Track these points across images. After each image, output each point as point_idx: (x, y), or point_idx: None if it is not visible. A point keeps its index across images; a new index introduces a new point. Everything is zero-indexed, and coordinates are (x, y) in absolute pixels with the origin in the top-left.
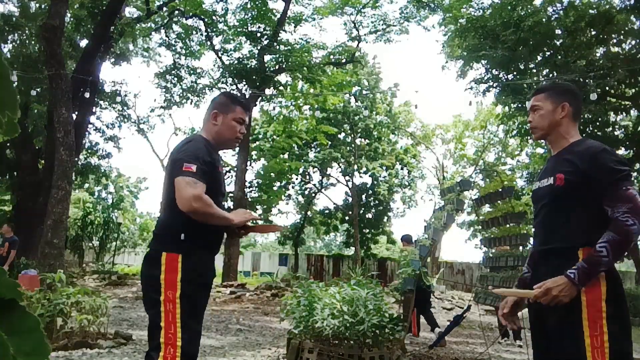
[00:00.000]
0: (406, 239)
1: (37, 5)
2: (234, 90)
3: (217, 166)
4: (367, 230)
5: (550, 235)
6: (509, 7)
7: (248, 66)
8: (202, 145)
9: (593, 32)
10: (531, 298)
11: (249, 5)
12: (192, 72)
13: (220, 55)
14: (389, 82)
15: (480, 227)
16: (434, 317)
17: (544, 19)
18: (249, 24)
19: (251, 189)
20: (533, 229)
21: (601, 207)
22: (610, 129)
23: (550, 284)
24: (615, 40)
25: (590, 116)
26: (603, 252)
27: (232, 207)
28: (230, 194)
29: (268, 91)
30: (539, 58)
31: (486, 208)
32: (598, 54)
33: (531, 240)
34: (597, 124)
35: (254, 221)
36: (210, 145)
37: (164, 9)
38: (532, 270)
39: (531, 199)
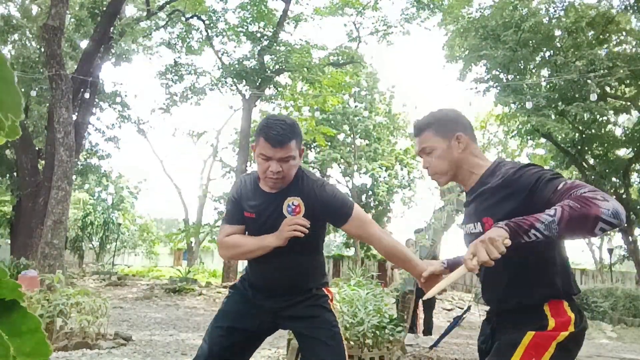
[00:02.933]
0: (411, 243)
1: (39, 8)
2: (233, 90)
3: (253, 209)
4: None
5: (501, 295)
6: (510, 8)
7: (248, 66)
8: (240, 184)
9: (593, 32)
10: (468, 269)
11: (248, 7)
12: (192, 71)
13: (220, 55)
14: (388, 83)
15: None
16: (432, 322)
17: (544, 20)
18: (248, 24)
19: None
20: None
21: (548, 248)
22: (610, 129)
23: (472, 246)
24: (615, 40)
25: (590, 116)
26: (551, 212)
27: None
28: None
29: (268, 91)
30: (539, 58)
31: None
32: (598, 54)
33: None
34: (597, 123)
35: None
36: (253, 184)
37: (165, 8)
38: (487, 337)
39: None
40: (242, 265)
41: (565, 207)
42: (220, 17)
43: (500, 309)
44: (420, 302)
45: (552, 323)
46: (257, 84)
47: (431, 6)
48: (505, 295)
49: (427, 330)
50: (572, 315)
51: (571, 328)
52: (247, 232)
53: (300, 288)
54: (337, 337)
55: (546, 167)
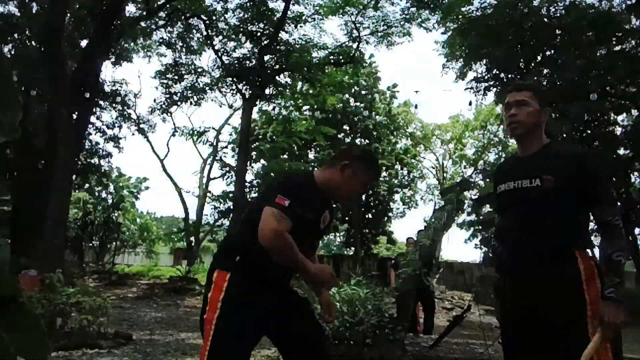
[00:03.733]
0: (411, 242)
1: (38, 6)
2: (233, 90)
3: (313, 214)
4: (367, 230)
5: (540, 238)
6: (511, 7)
7: (248, 66)
8: (307, 185)
9: (594, 31)
10: (604, 341)
11: (247, 5)
12: (192, 70)
13: (220, 55)
14: (388, 82)
15: (480, 227)
16: (433, 322)
17: (545, 19)
18: (248, 24)
19: (251, 189)
20: (503, 230)
21: (586, 209)
22: (611, 128)
23: (606, 317)
24: (615, 40)
25: (590, 116)
26: (622, 260)
27: (231, 207)
28: (230, 194)
29: (268, 91)
30: (540, 57)
31: (486, 208)
32: (599, 53)
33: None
34: (597, 123)
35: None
36: (317, 190)
37: (167, 6)
38: (511, 272)
39: (502, 199)
40: None
41: (624, 251)
42: (220, 16)
43: (532, 250)
44: (420, 301)
45: (582, 267)
46: (257, 83)
47: (431, 5)
48: (543, 237)
49: (427, 330)
50: (592, 262)
51: (596, 273)
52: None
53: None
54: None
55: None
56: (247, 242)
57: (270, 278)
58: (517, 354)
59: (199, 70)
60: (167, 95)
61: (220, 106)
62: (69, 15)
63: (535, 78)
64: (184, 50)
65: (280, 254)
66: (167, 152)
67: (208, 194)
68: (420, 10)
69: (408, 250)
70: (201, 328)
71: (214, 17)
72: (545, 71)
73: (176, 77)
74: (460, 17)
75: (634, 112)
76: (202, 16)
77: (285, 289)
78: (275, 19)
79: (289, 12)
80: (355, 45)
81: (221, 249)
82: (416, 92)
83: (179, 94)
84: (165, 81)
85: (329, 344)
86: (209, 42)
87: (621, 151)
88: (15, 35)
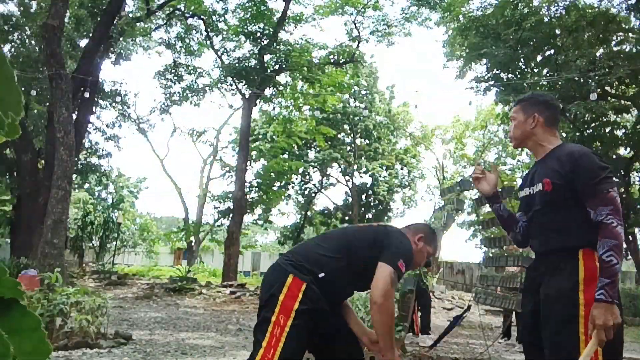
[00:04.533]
0: None
1: (38, 5)
2: (233, 90)
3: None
4: None
5: (548, 238)
6: (511, 6)
7: (248, 66)
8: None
9: (594, 31)
10: (598, 345)
11: (247, 5)
12: (192, 71)
13: (220, 55)
14: (388, 82)
15: (480, 227)
16: (430, 320)
17: (545, 19)
18: (248, 24)
19: (251, 189)
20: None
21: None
22: (610, 128)
23: (597, 320)
24: (615, 40)
25: (590, 116)
26: (613, 260)
27: (231, 207)
28: (230, 194)
29: (268, 91)
30: (540, 57)
31: (486, 208)
32: (599, 53)
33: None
34: (597, 123)
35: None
36: None
37: (165, 7)
38: (531, 272)
39: (520, 205)
40: (241, 265)
41: (615, 250)
42: (220, 17)
43: (543, 250)
44: (416, 302)
45: (582, 267)
46: (257, 83)
47: (431, 3)
48: (550, 237)
49: (424, 328)
50: (599, 265)
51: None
52: None
53: None
54: None
55: (600, 162)
56: (339, 268)
57: (336, 301)
58: (529, 350)
59: (199, 70)
60: (167, 96)
61: (220, 107)
62: (68, 14)
63: (536, 78)
64: (183, 50)
65: (382, 314)
66: (167, 152)
67: (208, 194)
68: (420, 9)
69: None
70: (261, 324)
71: (213, 17)
72: (545, 71)
73: (175, 78)
74: (460, 16)
75: (634, 112)
76: (202, 16)
77: (339, 312)
78: (275, 19)
79: (288, 12)
80: (355, 45)
81: (303, 259)
82: (416, 91)
83: (178, 94)
84: (164, 81)
85: None
86: (208, 42)
87: (621, 151)
88: (15, 35)
